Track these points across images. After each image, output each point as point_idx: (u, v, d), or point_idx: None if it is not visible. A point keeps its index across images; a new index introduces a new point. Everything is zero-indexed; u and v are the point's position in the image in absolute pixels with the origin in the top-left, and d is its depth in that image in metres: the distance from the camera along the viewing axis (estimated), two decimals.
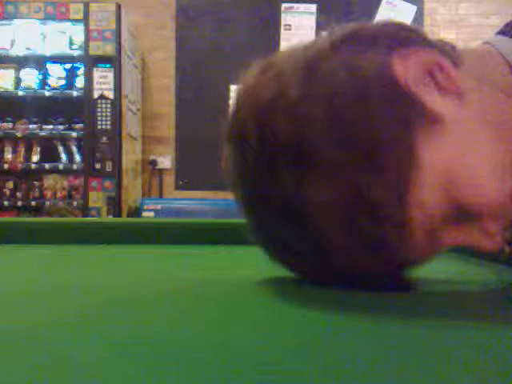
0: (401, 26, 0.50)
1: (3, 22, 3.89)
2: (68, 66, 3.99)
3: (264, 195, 0.46)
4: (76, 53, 3.90)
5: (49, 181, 4.03)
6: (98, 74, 3.76)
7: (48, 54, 3.94)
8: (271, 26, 4.30)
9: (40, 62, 4.00)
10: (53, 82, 3.98)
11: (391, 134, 0.43)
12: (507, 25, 0.52)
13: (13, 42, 3.96)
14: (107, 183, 3.76)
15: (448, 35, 4.34)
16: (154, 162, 4.31)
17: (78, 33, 3.88)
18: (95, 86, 3.75)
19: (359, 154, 0.42)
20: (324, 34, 0.51)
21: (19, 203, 3.96)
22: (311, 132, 0.43)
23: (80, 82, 3.90)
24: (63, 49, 3.93)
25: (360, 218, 0.43)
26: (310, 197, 0.43)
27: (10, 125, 3.99)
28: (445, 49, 0.48)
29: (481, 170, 0.45)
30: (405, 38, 0.48)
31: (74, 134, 3.94)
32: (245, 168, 0.48)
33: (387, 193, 0.42)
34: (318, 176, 0.43)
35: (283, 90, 0.45)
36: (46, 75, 4.00)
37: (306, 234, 0.45)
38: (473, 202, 0.45)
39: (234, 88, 4.24)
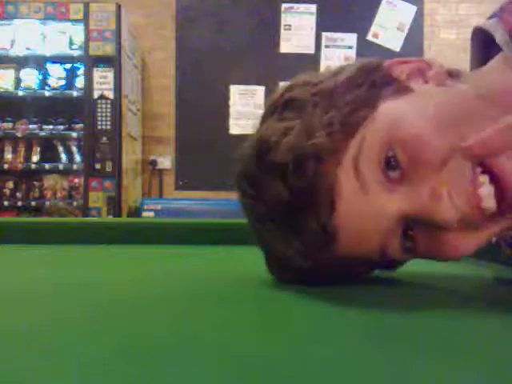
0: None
1: (3, 22, 3.88)
2: (68, 66, 3.99)
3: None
4: (76, 53, 3.90)
5: (49, 181, 4.03)
6: (98, 74, 3.75)
7: (48, 54, 3.94)
8: (271, 26, 4.29)
9: (40, 62, 3.99)
10: (53, 82, 3.98)
11: (359, 90, 0.49)
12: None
13: (13, 42, 3.95)
14: (107, 183, 3.75)
15: (448, 35, 4.35)
16: (153, 162, 4.30)
17: (78, 33, 3.88)
18: (95, 86, 3.74)
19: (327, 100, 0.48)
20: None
21: (19, 203, 3.96)
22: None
23: (80, 82, 3.90)
24: (63, 49, 3.93)
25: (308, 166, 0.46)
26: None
27: (10, 125, 3.99)
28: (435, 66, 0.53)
29: (427, 124, 0.46)
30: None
31: (74, 134, 3.94)
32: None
33: (338, 117, 0.46)
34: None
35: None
36: (46, 75, 4.00)
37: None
38: (413, 140, 0.44)
39: (233, 88, 4.24)
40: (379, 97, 0.48)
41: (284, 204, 0.46)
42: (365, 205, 0.45)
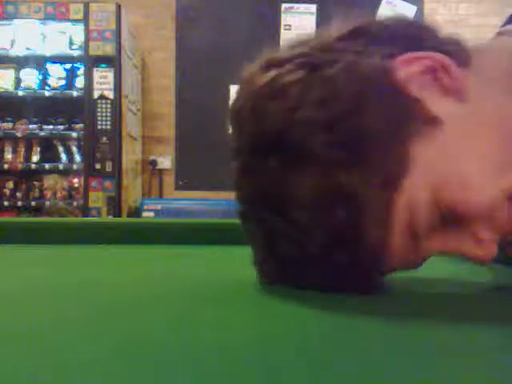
0: (409, 24, 0.50)
1: (3, 22, 3.88)
2: (68, 66, 3.99)
3: (250, 177, 0.47)
4: (76, 53, 3.90)
5: (49, 181, 4.03)
6: (98, 73, 3.75)
7: (48, 54, 3.94)
8: (271, 26, 4.29)
9: (40, 62, 4.00)
10: (53, 82, 3.98)
11: (385, 136, 0.43)
12: None
13: (13, 42, 3.96)
14: (107, 183, 3.75)
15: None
16: (154, 162, 4.30)
17: (78, 33, 3.88)
18: (95, 85, 3.74)
19: (350, 153, 0.42)
20: (332, 25, 0.52)
21: (19, 203, 3.96)
22: (305, 130, 0.43)
23: (80, 81, 3.90)
24: (63, 49, 3.93)
25: (338, 210, 0.42)
26: (291, 187, 0.44)
27: (10, 125, 3.99)
28: (451, 49, 0.48)
29: (472, 172, 0.44)
30: (411, 37, 0.48)
31: (74, 134, 3.94)
32: (237, 148, 0.50)
33: (371, 190, 0.42)
34: (304, 170, 0.43)
35: (283, 87, 0.45)
36: (46, 75, 4.00)
37: (285, 223, 0.45)
38: (461, 203, 0.43)
39: (234, 88, 4.24)
40: (408, 136, 0.43)
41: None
42: (411, 249, 0.45)
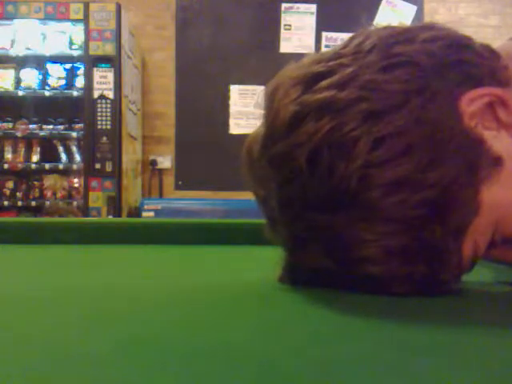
0: (456, 48, 0.47)
1: (3, 21, 3.88)
2: (68, 66, 3.99)
3: (315, 235, 0.46)
4: (76, 53, 3.90)
5: (49, 181, 4.03)
6: (98, 73, 3.75)
7: (48, 54, 3.93)
8: (271, 26, 4.29)
9: (40, 62, 3.99)
10: (53, 81, 3.98)
11: (462, 187, 0.43)
12: None
13: (13, 42, 3.95)
14: (107, 183, 3.75)
15: None
16: (154, 162, 4.30)
17: (78, 33, 3.88)
18: (95, 85, 3.74)
19: (430, 210, 0.42)
20: (360, 42, 0.47)
21: (19, 203, 3.96)
22: (382, 189, 0.42)
23: (80, 82, 3.90)
24: (63, 49, 3.93)
25: (420, 265, 0.44)
26: (365, 244, 0.43)
27: (10, 125, 3.99)
28: (497, 72, 0.47)
29: None
30: (463, 66, 0.46)
31: (74, 134, 3.94)
32: (289, 200, 0.46)
33: (449, 241, 0.43)
34: (379, 226, 0.43)
35: (347, 141, 0.42)
36: (46, 75, 4.00)
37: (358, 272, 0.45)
38: None
39: (233, 88, 4.24)
40: (481, 182, 0.44)
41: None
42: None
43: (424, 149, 0.42)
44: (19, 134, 3.95)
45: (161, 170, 4.33)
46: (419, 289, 0.45)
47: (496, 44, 0.53)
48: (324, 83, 0.44)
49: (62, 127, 3.98)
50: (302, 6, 4.30)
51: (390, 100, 0.43)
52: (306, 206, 0.44)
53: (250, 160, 0.50)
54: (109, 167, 3.74)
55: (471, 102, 0.45)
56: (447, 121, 0.43)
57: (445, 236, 0.43)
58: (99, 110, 3.74)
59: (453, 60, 0.46)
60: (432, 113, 0.43)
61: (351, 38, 0.49)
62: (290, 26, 4.30)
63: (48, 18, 3.82)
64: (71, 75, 3.98)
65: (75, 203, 3.90)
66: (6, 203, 3.93)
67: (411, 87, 0.43)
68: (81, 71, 3.91)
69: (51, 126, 3.99)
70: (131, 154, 4.03)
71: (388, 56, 0.45)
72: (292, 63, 0.50)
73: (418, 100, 0.43)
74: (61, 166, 3.97)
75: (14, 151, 4.04)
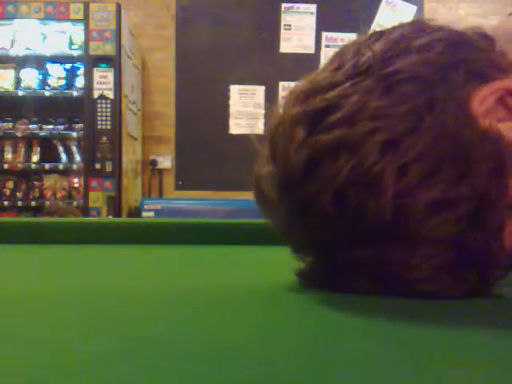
0: (460, 41, 0.46)
1: (3, 21, 3.88)
2: (68, 66, 3.99)
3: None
4: (76, 53, 3.90)
5: (49, 181, 4.03)
6: (98, 73, 3.75)
7: (48, 54, 3.94)
8: (271, 26, 4.29)
9: (40, 62, 3.99)
10: (53, 81, 3.98)
11: (491, 187, 0.42)
12: None
13: (13, 42, 3.95)
14: (107, 183, 3.75)
15: None
16: (154, 162, 4.30)
17: (78, 33, 3.88)
18: (95, 85, 3.74)
19: (467, 226, 0.42)
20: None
21: (19, 203, 3.96)
22: (418, 215, 0.41)
23: (80, 81, 3.90)
24: (63, 49, 3.93)
25: (468, 276, 0.44)
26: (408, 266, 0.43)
27: (10, 125, 3.99)
28: (497, 60, 0.46)
29: None
30: (468, 69, 0.45)
31: (74, 134, 3.94)
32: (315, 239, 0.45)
33: (488, 239, 0.43)
34: (418, 250, 0.43)
35: (370, 174, 0.41)
36: (46, 75, 4.00)
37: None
38: None
39: (233, 88, 4.24)
40: (508, 176, 0.43)
41: None
42: None
43: (449, 164, 0.41)
44: (19, 134, 3.95)
45: (161, 170, 4.34)
46: (471, 291, 0.45)
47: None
48: (330, 120, 0.43)
49: (62, 127, 3.98)
50: (302, 6, 4.30)
51: (402, 124, 0.42)
52: (342, 245, 0.44)
53: (265, 200, 0.49)
54: (109, 167, 3.74)
55: (482, 102, 0.44)
56: (465, 129, 0.42)
57: (487, 239, 0.43)
58: (99, 109, 3.74)
59: (453, 62, 0.45)
60: (448, 126, 0.42)
61: (340, 55, 0.47)
62: (289, 25, 4.30)
63: (48, 18, 3.82)
64: (71, 75, 3.98)
65: (75, 203, 3.90)
66: (6, 203, 3.93)
67: (419, 103, 0.42)
68: (81, 71, 3.91)
69: (51, 126, 3.99)
70: (131, 154, 4.03)
71: (386, 75, 0.44)
72: (284, 93, 0.49)
73: (430, 116, 0.42)
74: (61, 166, 3.98)
75: (14, 151, 4.04)
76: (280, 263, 0.59)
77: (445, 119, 0.42)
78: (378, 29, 0.49)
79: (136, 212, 3.95)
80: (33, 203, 3.96)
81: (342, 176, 0.41)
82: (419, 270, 0.43)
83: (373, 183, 0.41)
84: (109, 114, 3.74)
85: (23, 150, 4.05)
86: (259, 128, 3.95)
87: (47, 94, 3.95)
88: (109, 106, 3.74)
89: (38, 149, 4.06)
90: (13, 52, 3.94)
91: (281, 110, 0.47)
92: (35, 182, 4.05)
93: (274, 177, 0.47)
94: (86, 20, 3.76)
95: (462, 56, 0.46)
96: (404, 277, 0.43)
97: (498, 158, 0.43)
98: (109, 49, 3.75)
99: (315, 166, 0.43)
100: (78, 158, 4.01)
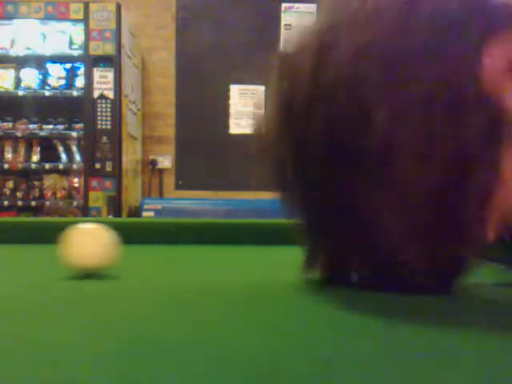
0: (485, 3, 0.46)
1: (3, 21, 3.88)
2: (68, 65, 3.99)
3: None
4: (76, 53, 3.90)
5: (49, 181, 4.03)
6: (98, 73, 3.75)
7: (48, 53, 3.93)
8: (271, 26, 4.29)
9: (40, 62, 3.99)
10: (53, 81, 3.98)
11: (480, 149, 0.42)
12: None
13: (13, 42, 3.95)
14: (107, 183, 3.75)
15: None
16: (154, 162, 4.30)
17: (78, 33, 3.88)
18: (95, 85, 3.74)
19: (449, 178, 0.42)
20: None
21: (19, 203, 3.96)
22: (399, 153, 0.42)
23: (80, 81, 3.90)
24: (63, 49, 3.93)
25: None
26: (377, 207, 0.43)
27: (10, 125, 3.99)
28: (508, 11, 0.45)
29: None
30: (490, 21, 0.45)
31: (74, 134, 3.94)
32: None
33: (468, 205, 0.42)
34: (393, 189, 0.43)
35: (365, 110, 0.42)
36: (45, 75, 4.00)
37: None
38: None
39: (233, 88, 4.24)
40: (501, 147, 0.43)
41: None
42: None
43: (441, 114, 0.42)
44: (19, 134, 3.95)
45: (161, 170, 4.34)
46: (438, 267, 0.44)
47: None
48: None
49: (61, 127, 3.98)
50: (302, 6, 4.30)
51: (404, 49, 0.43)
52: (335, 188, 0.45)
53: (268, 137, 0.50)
54: (109, 167, 3.74)
55: (492, 65, 0.44)
56: (468, 85, 0.42)
57: (465, 206, 0.42)
58: (99, 109, 3.74)
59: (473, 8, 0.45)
60: (452, 75, 0.42)
61: None
62: (289, 25, 4.30)
63: (48, 17, 3.82)
64: (71, 75, 3.98)
65: (75, 203, 3.90)
66: (5, 203, 3.93)
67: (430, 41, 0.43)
68: (81, 71, 3.91)
69: (51, 126, 3.99)
70: (131, 154, 4.03)
71: (406, 11, 0.44)
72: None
73: (436, 59, 0.42)
74: (61, 166, 3.97)
75: (14, 151, 4.04)
76: (280, 263, 0.59)
77: (451, 67, 0.42)
78: None
79: (136, 212, 3.95)
80: (33, 203, 3.96)
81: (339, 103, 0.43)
82: (394, 222, 0.43)
83: (366, 110, 0.42)
84: (109, 114, 3.74)
85: (23, 149, 4.05)
86: None
87: (47, 93, 3.95)
88: (109, 105, 3.74)
89: (38, 149, 4.06)
90: (13, 52, 3.94)
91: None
92: (35, 182, 4.05)
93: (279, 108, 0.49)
94: (85, 20, 3.76)
95: (481, 4, 0.45)
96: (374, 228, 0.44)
97: (493, 125, 0.42)
98: (109, 49, 3.75)
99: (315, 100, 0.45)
100: (77, 157, 4.01)
